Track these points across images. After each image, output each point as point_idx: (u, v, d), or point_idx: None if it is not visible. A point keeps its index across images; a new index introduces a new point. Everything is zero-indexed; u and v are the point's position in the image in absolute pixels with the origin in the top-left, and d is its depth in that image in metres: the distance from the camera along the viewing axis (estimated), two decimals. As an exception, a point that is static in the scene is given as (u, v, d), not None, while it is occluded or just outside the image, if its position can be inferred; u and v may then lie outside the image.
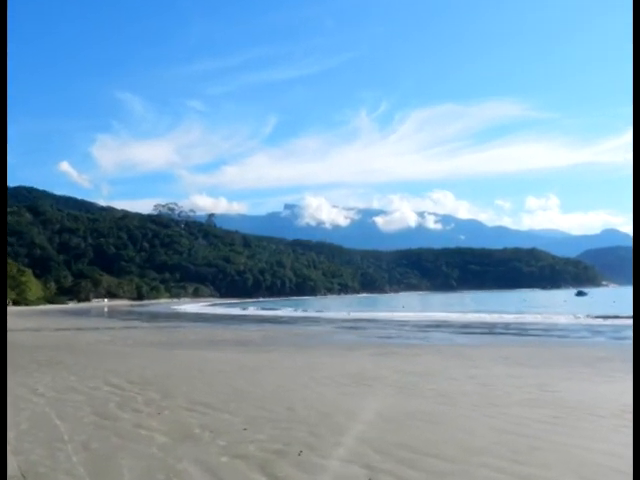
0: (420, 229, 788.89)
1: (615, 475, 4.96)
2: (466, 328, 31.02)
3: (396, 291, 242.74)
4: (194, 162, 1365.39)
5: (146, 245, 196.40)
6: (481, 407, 8.08)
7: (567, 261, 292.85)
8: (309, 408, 8.02)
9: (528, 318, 40.20)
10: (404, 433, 6.50)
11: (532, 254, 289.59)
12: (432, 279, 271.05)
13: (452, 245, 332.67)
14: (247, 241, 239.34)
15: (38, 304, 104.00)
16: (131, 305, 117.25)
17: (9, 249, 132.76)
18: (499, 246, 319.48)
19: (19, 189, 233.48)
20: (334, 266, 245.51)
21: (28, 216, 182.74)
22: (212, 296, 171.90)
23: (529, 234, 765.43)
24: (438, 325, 34.17)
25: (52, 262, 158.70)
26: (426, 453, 5.67)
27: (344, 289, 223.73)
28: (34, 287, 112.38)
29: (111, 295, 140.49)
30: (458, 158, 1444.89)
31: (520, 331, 28.27)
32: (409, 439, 6.20)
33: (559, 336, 24.81)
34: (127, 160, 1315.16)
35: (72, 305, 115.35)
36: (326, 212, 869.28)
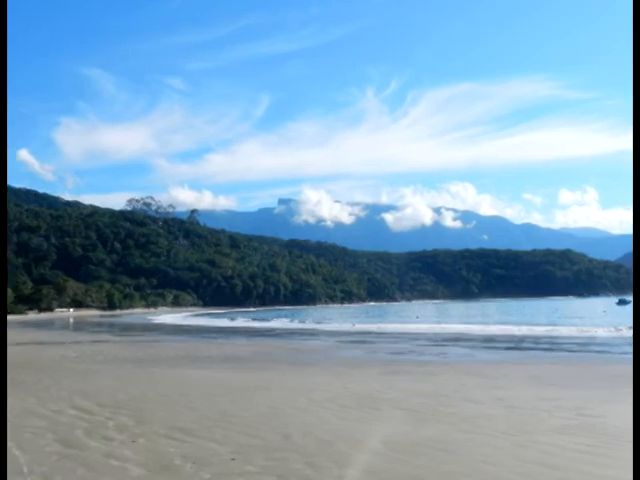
0: (436, 227, 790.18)
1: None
2: (489, 342, 31.09)
3: (408, 299, 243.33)
4: (174, 149, 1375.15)
5: (118, 246, 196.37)
6: (507, 434, 8.08)
7: (607, 264, 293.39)
8: (307, 435, 8.03)
9: (562, 331, 40.24)
10: (416, 464, 6.50)
11: (566, 256, 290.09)
12: (450, 285, 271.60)
13: (473, 246, 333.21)
14: (235, 241, 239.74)
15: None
16: (101, 315, 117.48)
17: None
18: (528, 247, 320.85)
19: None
20: (336, 270, 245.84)
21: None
22: (195, 305, 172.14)
23: (562, 233, 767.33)
24: (457, 339, 34.20)
25: (9, 266, 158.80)
26: (443, 487, 5.67)
27: (348, 297, 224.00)
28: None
29: (77, 304, 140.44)
30: (480, 145, 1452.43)
31: (552, 346, 28.29)
32: (422, 471, 6.21)
33: (598, 352, 24.81)
34: (96, 147, 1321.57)
35: (32, 316, 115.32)
36: (327, 208, 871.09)
